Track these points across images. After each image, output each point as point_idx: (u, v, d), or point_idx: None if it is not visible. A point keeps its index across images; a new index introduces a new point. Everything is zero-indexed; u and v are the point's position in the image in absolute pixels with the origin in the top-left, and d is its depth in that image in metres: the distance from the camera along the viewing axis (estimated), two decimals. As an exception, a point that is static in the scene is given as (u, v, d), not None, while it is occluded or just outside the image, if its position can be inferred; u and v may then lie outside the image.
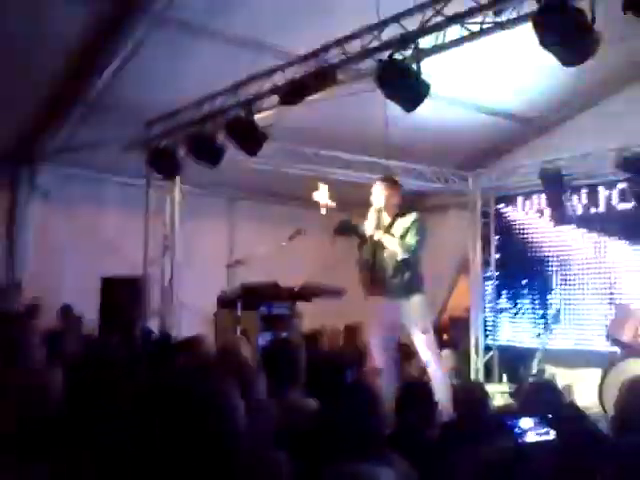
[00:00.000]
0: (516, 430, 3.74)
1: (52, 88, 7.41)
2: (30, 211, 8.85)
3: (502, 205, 10.27)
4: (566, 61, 4.60)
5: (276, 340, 5.75)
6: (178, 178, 8.17)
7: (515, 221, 10.12)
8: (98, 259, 8.64)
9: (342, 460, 1.96)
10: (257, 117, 6.76)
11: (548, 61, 4.66)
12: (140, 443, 2.43)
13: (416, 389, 4.31)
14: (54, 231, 8.91)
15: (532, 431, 3.74)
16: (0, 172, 8.68)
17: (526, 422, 3.80)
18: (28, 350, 3.70)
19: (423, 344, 6.17)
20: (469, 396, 4.28)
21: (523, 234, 10.01)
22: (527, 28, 4.56)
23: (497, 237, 10.32)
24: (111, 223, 9.33)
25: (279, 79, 6.43)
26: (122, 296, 8.35)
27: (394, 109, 5.78)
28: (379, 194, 6.32)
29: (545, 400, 4.18)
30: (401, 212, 6.36)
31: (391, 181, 6.54)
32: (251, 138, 6.82)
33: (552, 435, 3.62)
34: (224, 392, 2.33)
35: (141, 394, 3.08)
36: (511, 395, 8.33)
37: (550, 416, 3.74)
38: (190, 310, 8.72)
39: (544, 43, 4.48)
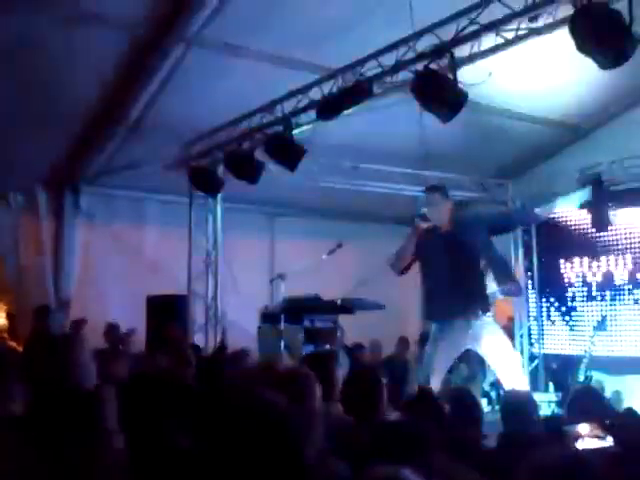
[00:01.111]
0: (572, 436, 3.71)
1: (93, 113, 7.57)
2: (75, 233, 9.01)
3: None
4: (604, 64, 4.57)
5: (312, 354, 5.75)
6: (219, 195, 8.27)
7: (556, 227, 10.00)
8: (142, 278, 8.76)
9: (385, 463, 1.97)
10: (295, 132, 6.84)
11: (586, 65, 4.65)
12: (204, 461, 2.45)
13: (462, 396, 4.30)
14: (99, 252, 9.06)
15: (589, 437, 3.70)
16: (46, 196, 8.86)
17: (583, 428, 3.76)
18: (81, 368, 3.75)
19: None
20: (518, 403, 4.25)
21: (565, 240, 9.89)
22: (563, 32, 4.56)
23: (539, 244, 10.21)
24: (154, 242, 9.46)
25: (316, 94, 6.49)
26: (168, 314, 8.45)
27: (431, 119, 5.81)
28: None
29: (591, 406, 4.14)
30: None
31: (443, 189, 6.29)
32: (290, 153, 6.89)
33: (609, 441, 3.58)
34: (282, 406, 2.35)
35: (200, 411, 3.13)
36: (558, 404, 8.24)
37: (608, 422, 3.69)
38: (234, 325, 8.80)
39: (581, 48, 4.46)
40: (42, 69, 6.69)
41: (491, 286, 6.19)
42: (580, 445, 3.68)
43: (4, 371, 3.65)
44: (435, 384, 5.64)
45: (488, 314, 5.99)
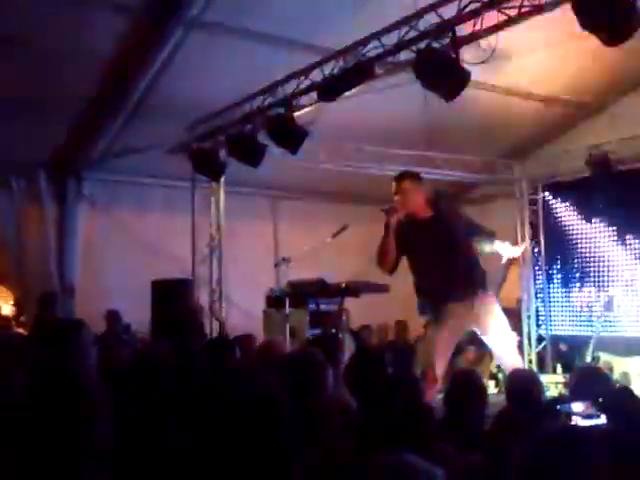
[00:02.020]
0: (567, 414, 3.69)
1: (92, 97, 7.52)
2: (78, 219, 8.99)
3: (550, 192, 10.10)
4: (608, 41, 4.48)
5: (316, 337, 5.72)
6: (222, 179, 8.22)
7: (564, 208, 9.94)
8: (146, 263, 8.72)
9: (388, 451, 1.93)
10: (297, 114, 6.77)
11: (593, 44, 4.57)
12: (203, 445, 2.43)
13: (467, 380, 4.26)
14: (102, 237, 9.04)
15: (583, 415, 3.68)
16: (47, 181, 8.83)
17: (577, 406, 3.74)
18: (85, 353, 3.74)
19: None
20: (522, 383, 4.22)
21: (573, 221, 9.82)
22: (567, 9, 4.48)
23: (546, 225, 10.14)
24: (157, 227, 9.42)
25: (317, 75, 6.42)
26: (172, 298, 8.42)
27: (435, 100, 5.73)
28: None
29: (593, 385, 4.10)
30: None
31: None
32: (291, 136, 6.82)
33: (603, 419, 3.55)
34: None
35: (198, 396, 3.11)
36: (565, 386, 8.20)
37: (601, 400, 3.66)
38: (239, 309, 8.78)
39: (584, 24, 4.38)
40: (42, 52, 6.63)
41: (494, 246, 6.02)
42: (575, 423, 3.65)
43: (6, 356, 3.65)
44: (439, 368, 5.56)
45: (488, 292, 5.90)
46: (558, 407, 3.88)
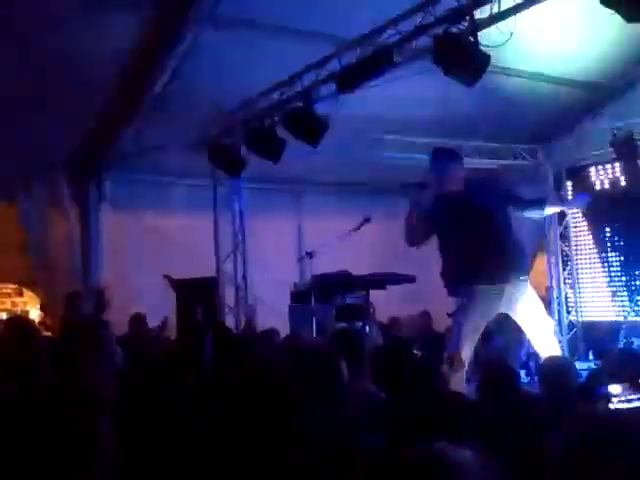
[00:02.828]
0: (605, 396, 3.61)
1: (111, 97, 7.51)
2: (101, 220, 8.99)
3: (575, 176, 9.95)
4: (629, 16, 4.37)
5: (339, 330, 5.63)
6: (244, 175, 8.18)
7: (590, 189, 9.77)
8: (170, 262, 8.72)
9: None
10: (316, 106, 6.71)
11: (612, 25, 4.46)
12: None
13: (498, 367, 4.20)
14: (125, 237, 9.03)
15: (621, 397, 3.60)
16: (68, 184, 8.84)
17: (615, 388, 3.65)
18: (109, 352, 3.74)
19: None
20: (556, 369, 4.13)
21: (599, 205, 9.65)
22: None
23: (573, 210, 9.98)
24: (179, 225, 9.41)
25: (335, 66, 6.35)
26: (198, 297, 8.41)
27: (456, 87, 5.64)
28: None
29: (631, 367, 4.01)
30: None
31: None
32: (312, 128, 6.76)
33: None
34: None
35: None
36: (601, 369, 8.08)
37: (640, 381, 3.58)
38: (265, 305, 8.75)
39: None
40: (60, 52, 6.62)
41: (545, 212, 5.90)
42: (612, 406, 3.57)
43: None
44: (466, 353, 5.42)
45: (522, 275, 5.75)
46: (597, 390, 3.80)
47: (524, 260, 5.85)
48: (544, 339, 5.72)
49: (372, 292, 7.62)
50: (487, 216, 5.58)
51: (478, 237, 5.53)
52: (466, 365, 5.39)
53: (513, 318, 5.74)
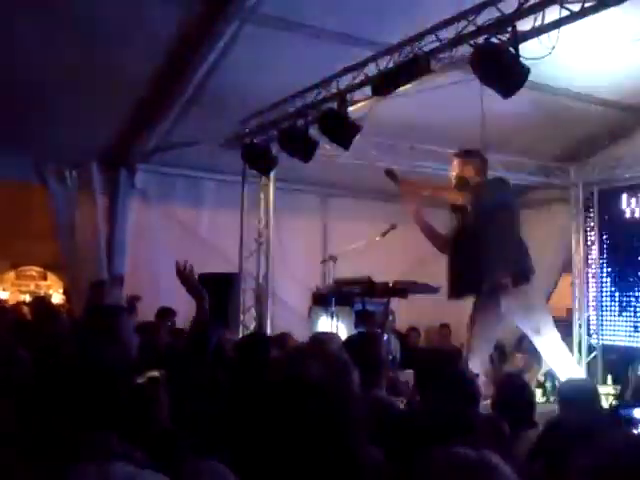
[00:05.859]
0: (628, 420, 3.55)
1: (147, 89, 7.54)
2: (129, 211, 9.05)
3: (606, 199, 9.85)
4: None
5: (352, 336, 5.59)
6: (272, 174, 8.19)
7: (620, 215, 9.67)
8: (194, 256, 8.69)
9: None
10: (350, 110, 6.69)
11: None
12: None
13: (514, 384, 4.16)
14: (151, 229, 9.09)
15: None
16: (100, 173, 8.91)
17: (638, 412, 3.60)
18: (125, 340, 3.76)
19: None
20: (577, 391, 4.08)
21: (629, 229, 9.55)
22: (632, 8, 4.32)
23: (601, 232, 9.89)
24: (207, 220, 9.45)
25: (372, 71, 6.33)
26: (220, 292, 8.41)
27: (491, 100, 5.60)
28: None
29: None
30: None
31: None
32: (344, 131, 6.74)
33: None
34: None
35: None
36: (616, 397, 7.99)
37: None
38: (285, 306, 8.74)
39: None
40: (93, 48, 6.68)
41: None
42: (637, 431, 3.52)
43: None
44: (474, 364, 5.37)
45: (526, 286, 5.67)
46: (621, 413, 3.74)
47: (525, 262, 5.77)
48: (558, 356, 5.66)
49: (393, 300, 7.58)
50: (491, 222, 5.65)
51: (469, 243, 5.65)
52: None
53: (518, 326, 5.71)
